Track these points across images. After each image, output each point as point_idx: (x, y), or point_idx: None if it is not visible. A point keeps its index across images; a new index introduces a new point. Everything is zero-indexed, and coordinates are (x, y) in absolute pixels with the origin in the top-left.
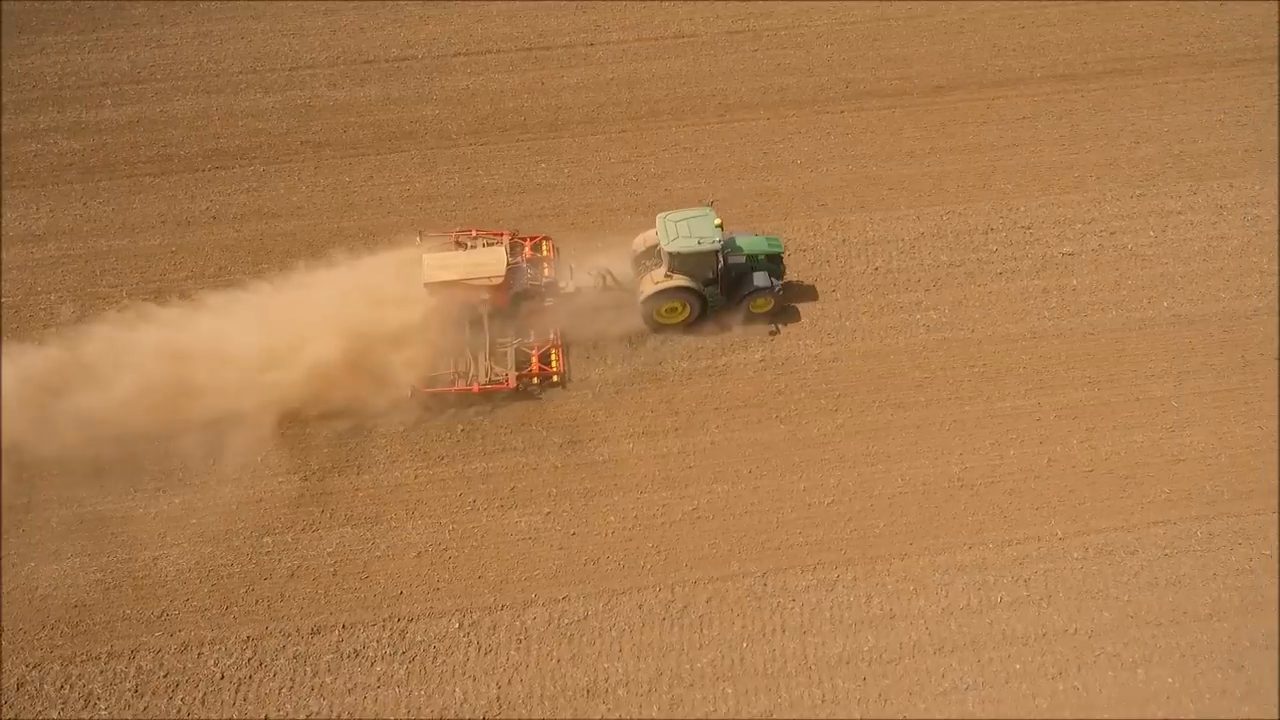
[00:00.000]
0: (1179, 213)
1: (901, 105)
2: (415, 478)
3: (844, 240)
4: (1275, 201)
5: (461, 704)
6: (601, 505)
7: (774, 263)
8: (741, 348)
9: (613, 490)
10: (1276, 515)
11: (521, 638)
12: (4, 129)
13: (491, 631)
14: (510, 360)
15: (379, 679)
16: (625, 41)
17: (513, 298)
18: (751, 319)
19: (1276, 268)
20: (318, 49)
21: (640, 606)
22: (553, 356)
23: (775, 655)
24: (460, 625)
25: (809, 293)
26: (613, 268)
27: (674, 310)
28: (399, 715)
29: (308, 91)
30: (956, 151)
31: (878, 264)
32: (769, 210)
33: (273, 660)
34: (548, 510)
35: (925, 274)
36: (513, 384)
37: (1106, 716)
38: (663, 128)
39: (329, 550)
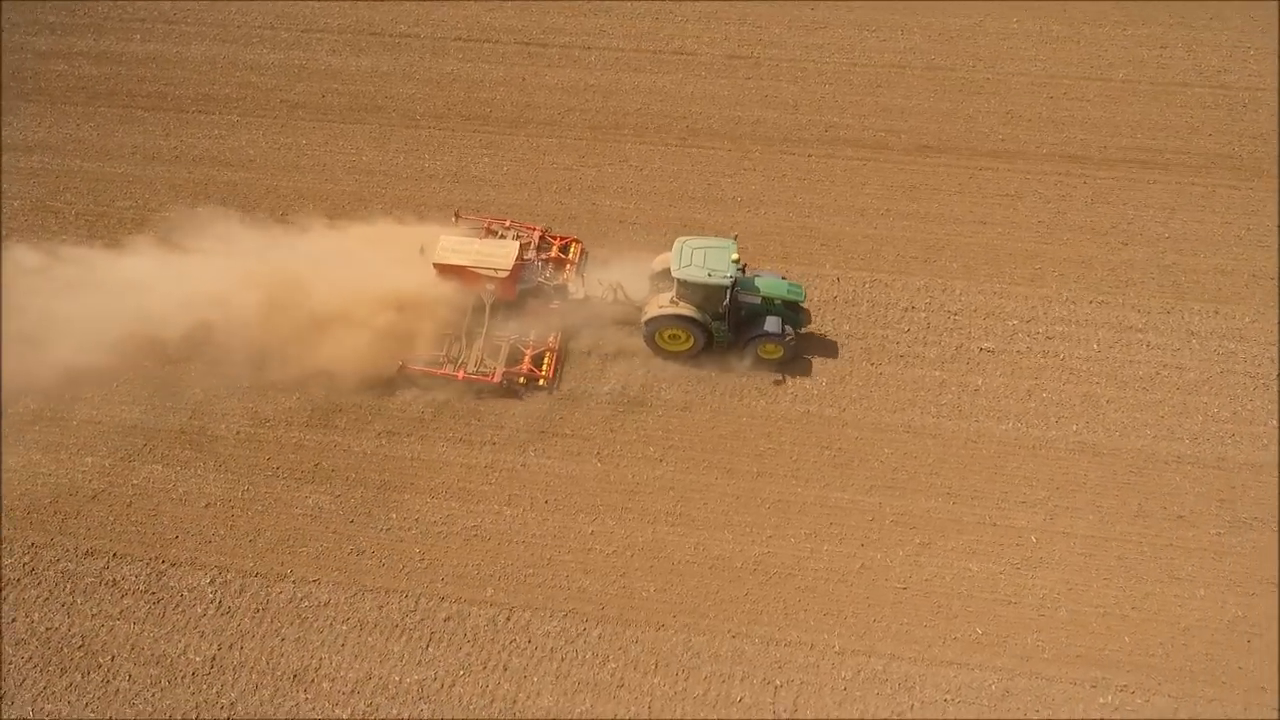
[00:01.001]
0: (1137, 330)
1: (876, 159)
2: (238, 434)
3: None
4: (1262, 339)
5: (179, 655)
6: (390, 500)
7: (792, 310)
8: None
9: (407, 489)
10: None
11: (261, 608)
12: (42, 48)
13: (238, 594)
14: (503, 355)
15: (122, 612)
16: (622, 50)
17: (520, 293)
18: (760, 363)
19: (1228, 414)
20: (334, 15)
21: (380, 608)
22: (545, 359)
23: (484, 692)
24: (212, 581)
25: None
26: (628, 283)
27: (676, 338)
28: (123, 651)
29: (307, 54)
30: (913, 218)
31: None
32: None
33: (44, 570)
34: (338, 493)
35: (817, 341)
36: (497, 379)
37: None
38: (618, 141)
39: (134, 482)
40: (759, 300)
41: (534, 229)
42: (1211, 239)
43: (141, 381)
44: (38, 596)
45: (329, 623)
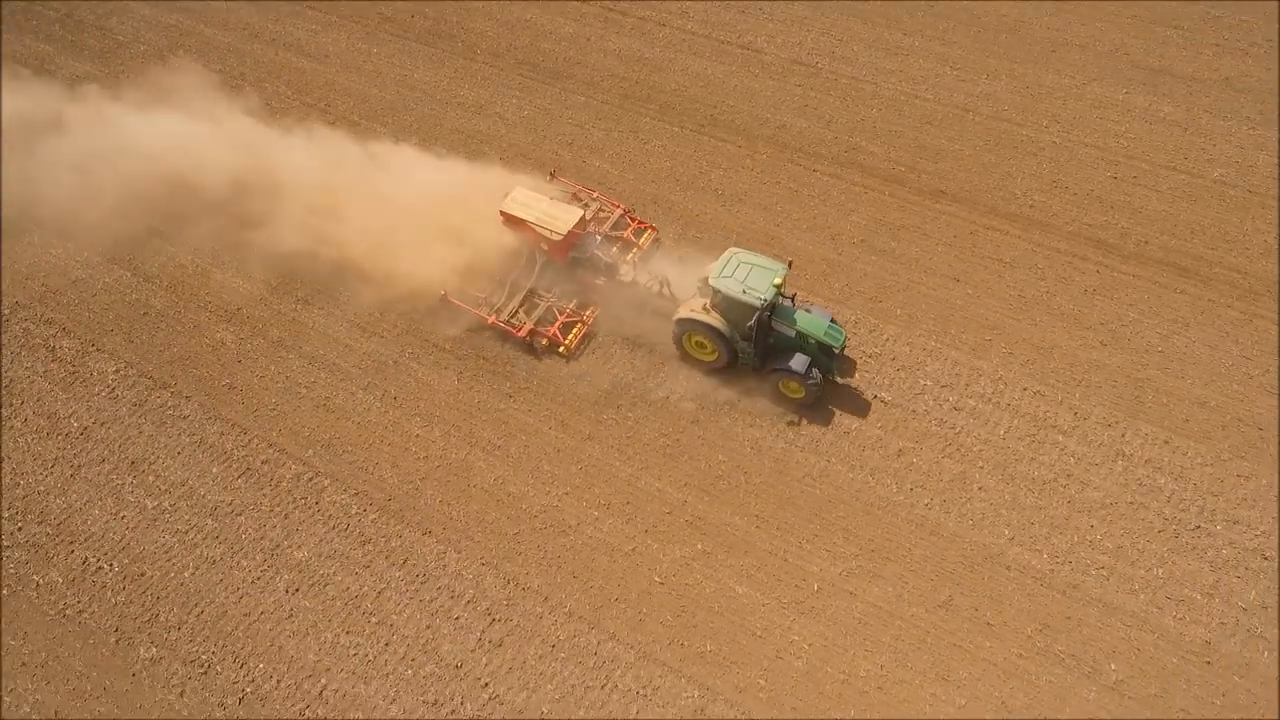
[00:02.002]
0: (1060, 431)
1: (879, 191)
2: (193, 267)
3: (682, 275)
4: (1204, 487)
5: (64, 417)
6: (276, 354)
7: (826, 354)
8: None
9: (295, 350)
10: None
11: (139, 403)
12: None
13: (129, 388)
14: (536, 313)
15: (44, 374)
16: (692, 34)
17: (572, 260)
18: (781, 399)
19: (1110, 545)
20: None
21: (221, 435)
22: (574, 330)
23: (259, 530)
24: (116, 371)
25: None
26: (678, 279)
27: (702, 346)
28: (29, 402)
29: None
30: (884, 256)
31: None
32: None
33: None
34: (244, 337)
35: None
36: (522, 334)
37: None
38: (639, 114)
39: (106, 281)
40: (793, 333)
41: (617, 206)
42: (1212, 368)
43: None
44: None
45: (178, 432)
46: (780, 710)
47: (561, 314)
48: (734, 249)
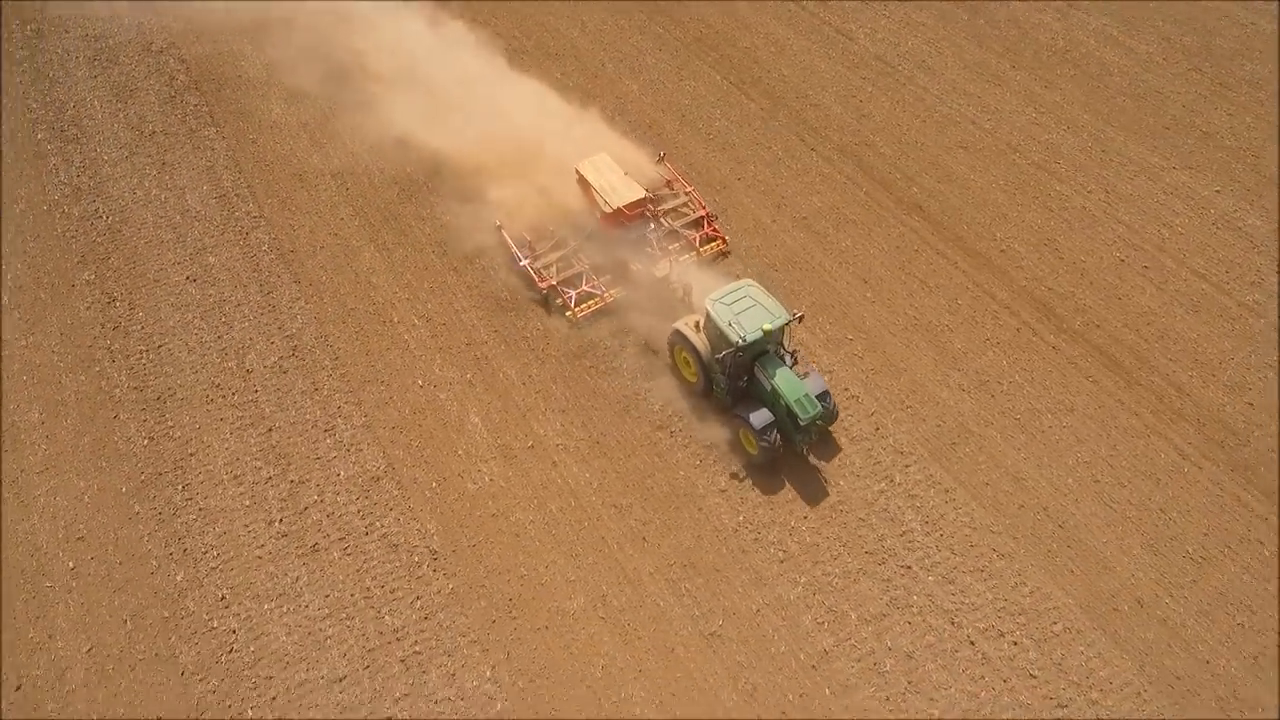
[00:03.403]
0: (847, 437)
1: (858, 187)
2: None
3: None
4: (952, 538)
5: None
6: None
7: (792, 421)
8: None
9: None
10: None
11: None
12: None
13: None
14: (565, 274)
15: None
16: (801, 9)
17: (619, 238)
18: (738, 446)
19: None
20: None
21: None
22: (588, 302)
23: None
24: None
25: None
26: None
27: (687, 363)
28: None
29: None
30: (811, 235)
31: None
32: (645, 140)
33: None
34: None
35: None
36: (542, 286)
37: None
38: (695, 59)
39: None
40: (769, 387)
41: (702, 207)
42: (1056, 452)
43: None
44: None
45: None
46: (435, 508)
47: (588, 284)
48: (749, 281)
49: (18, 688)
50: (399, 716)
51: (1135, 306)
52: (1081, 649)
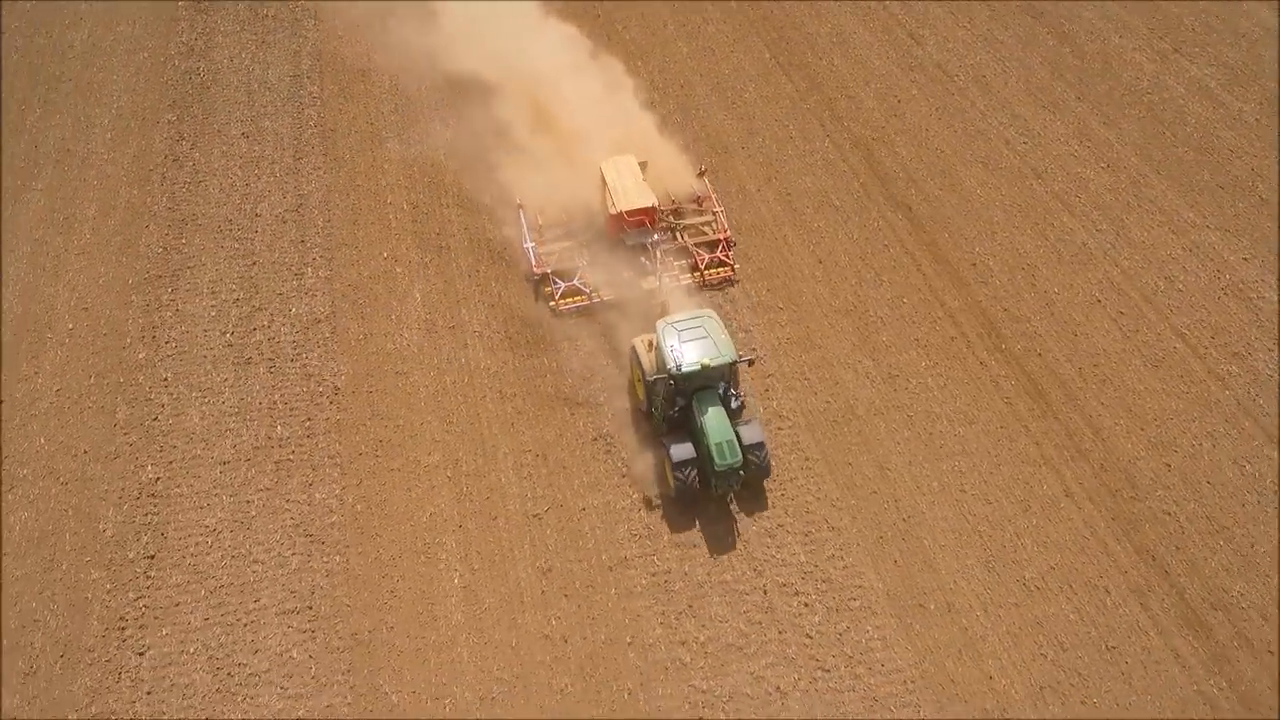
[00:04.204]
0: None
1: (854, 175)
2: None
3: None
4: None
5: None
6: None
7: (708, 463)
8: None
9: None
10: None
11: None
12: None
13: None
14: (562, 263)
15: None
16: (880, 6)
17: (621, 241)
18: (662, 478)
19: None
20: None
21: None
22: (573, 297)
23: None
24: None
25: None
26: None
27: (638, 380)
28: None
29: None
30: (782, 203)
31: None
32: (666, 97)
33: None
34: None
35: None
36: (536, 271)
37: None
38: (748, 31)
39: None
40: (698, 423)
41: (724, 232)
42: (934, 468)
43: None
44: None
45: None
46: (353, 356)
47: (579, 277)
48: (710, 312)
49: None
50: (255, 501)
51: (1089, 346)
52: (869, 629)
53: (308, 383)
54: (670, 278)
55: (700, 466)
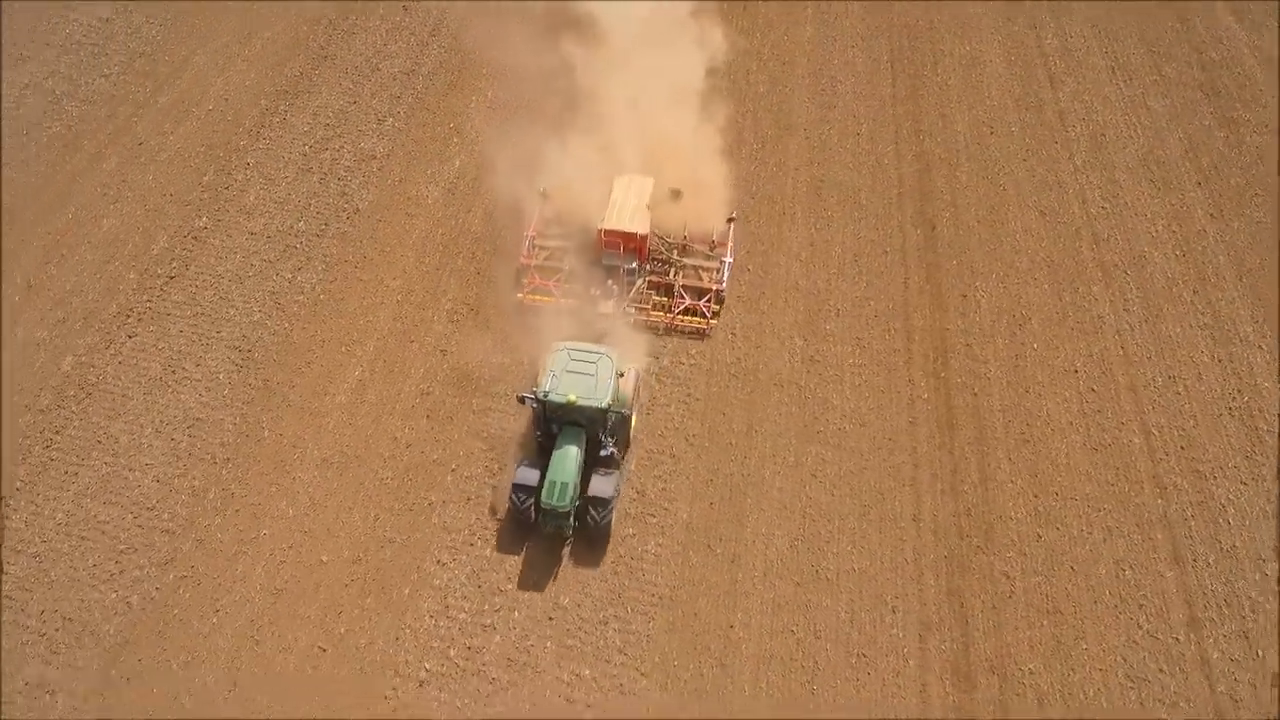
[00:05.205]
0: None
1: (897, 242)
2: None
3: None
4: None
5: None
6: None
7: (539, 498)
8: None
9: None
10: None
11: None
12: None
13: None
14: (548, 261)
15: None
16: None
17: (602, 256)
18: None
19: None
20: None
21: None
22: (542, 294)
23: None
24: None
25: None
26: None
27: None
28: None
29: None
30: (805, 264)
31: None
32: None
33: None
34: None
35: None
36: (524, 261)
37: None
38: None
39: None
40: (551, 451)
41: (719, 285)
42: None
43: None
44: None
45: None
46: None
47: (554, 282)
48: (610, 353)
49: None
50: (256, 267)
51: (1035, 406)
52: (650, 544)
53: (339, 199)
54: (630, 308)
55: (538, 498)
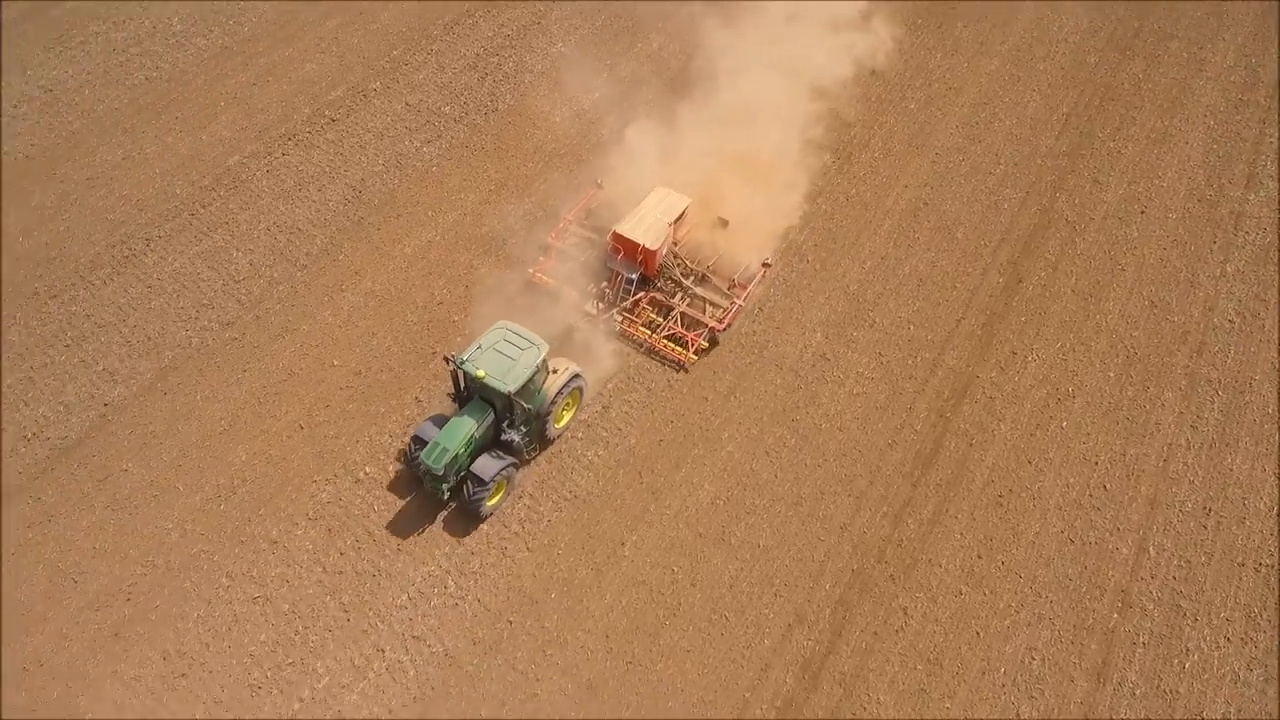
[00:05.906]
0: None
1: (970, 282)
2: None
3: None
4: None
5: None
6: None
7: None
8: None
9: None
10: None
11: None
12: None
13: None
14: (562, 257)
15: None
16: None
17: (610, 257)
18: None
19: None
20: None
21: None
22: (547, 278)
23: None
24: None
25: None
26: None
27: None
28: None
29: None
30: (871, 273)
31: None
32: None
33: None
34: None
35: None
36: (551, 240)
37: None
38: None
39: None
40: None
41: (721, 325)
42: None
43: None
44: None
45: None
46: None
47: (544, 276)
48: (542, 344)
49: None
50: (288, 178)
51: (1029, 476)
52: (581, 479)
53: (485, 98)
54: (616, 315)
55: (427, 460)
